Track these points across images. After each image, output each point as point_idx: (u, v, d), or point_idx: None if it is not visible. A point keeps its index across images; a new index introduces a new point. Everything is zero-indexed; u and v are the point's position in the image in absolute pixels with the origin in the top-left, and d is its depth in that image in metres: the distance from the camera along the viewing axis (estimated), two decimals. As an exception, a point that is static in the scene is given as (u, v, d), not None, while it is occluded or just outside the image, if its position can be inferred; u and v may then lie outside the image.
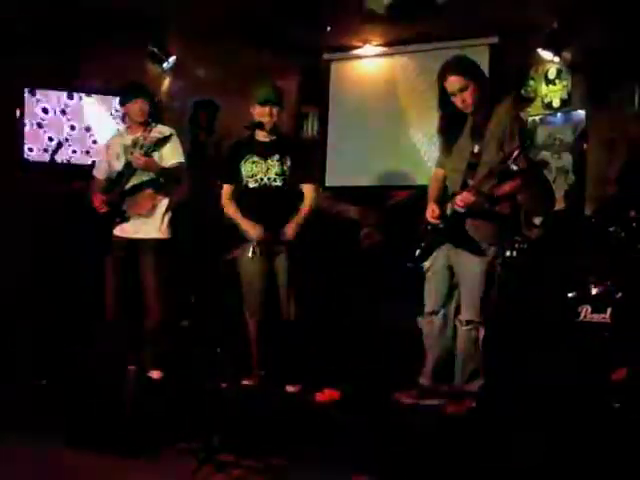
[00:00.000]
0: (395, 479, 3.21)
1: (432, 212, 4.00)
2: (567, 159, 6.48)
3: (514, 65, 6.82)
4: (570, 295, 4.67)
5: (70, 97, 6.45)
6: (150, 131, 4.67)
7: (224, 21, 6.51)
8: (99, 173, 4.87)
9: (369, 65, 7.55)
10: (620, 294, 4.55)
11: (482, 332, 3.95)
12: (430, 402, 4.07)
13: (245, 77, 6.85)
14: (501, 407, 3.97)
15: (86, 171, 5.17)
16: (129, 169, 4.64)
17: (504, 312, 4.75)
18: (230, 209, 4.56)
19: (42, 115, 6.38)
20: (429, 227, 4.06)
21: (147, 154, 4.52)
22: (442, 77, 3.91)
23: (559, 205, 6.06)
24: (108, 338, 4.72)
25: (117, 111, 4.80)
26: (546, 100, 6.66)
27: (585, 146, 6.38)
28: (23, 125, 6.31)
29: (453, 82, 3.86)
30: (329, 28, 6.82)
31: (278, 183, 4.44)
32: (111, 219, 4.70)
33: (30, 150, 6.34)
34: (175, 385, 4.55)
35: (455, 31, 6.72)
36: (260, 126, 4.42)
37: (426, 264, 4.12)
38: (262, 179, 4.46)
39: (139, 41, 6.67)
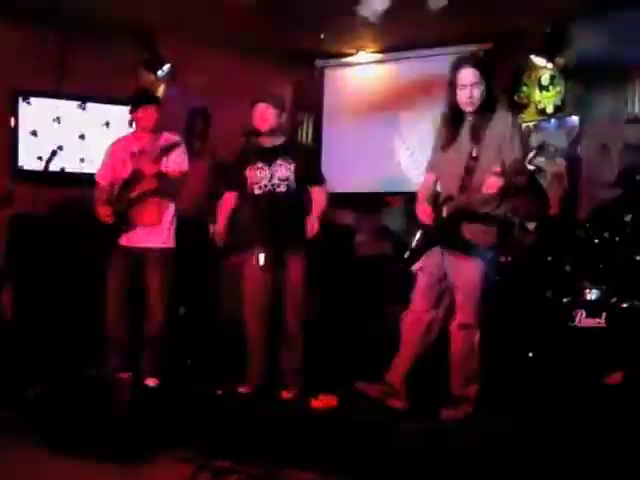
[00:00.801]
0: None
1: (424, 211, 3.96)
2: (561, 164, 6.50)
3: (507, 71, 6.84)
4: (565, 300, 4.68)
5: (65, 105, 6.45)
6: (158, 139, 4.67)
7: (218, 29, 6.52)
8: (102, 178, 4.80)
9: (363, 72, 7.58)
10: (615, 299, 4.56)
11: (478, 336, 3.93)
12: (393, 404, 4.04)
13: (239, 84, 6.88)
14: (499, 411, 3.97)
15: (80, 179, 5.16)
16: (136, 177, 4.62)
17: (499, 316, 4.76)
18: (220, 215, 4.58)
19: (36, 123, 6.38)
20: (421, 230, 4.03)
21: (156, 160, 4.52)
22: (456, 68, 3.85)
23: (553, 210, 6.08)
24: (104, 344, 4.71)
25: (130, 119, 4.74)
26: (540, 106, 6.69)
27: (579, 151, 6.40)
28: (17, 133, 6.31)
29: (468, 74, 3.80)
30: (323, 35, 6.83)
31: (282, 189, 4.42)
32: (115, 228, 4.68)
33: (25, 159, 6.33)
34: (171, 392, 4.54)
35: (449, 38, 6.74)
36: (257, 133, 4.40)
37: (417, 265, 4.08)
38: (266, 185, 4.44)
39: (134, 49, 6.68)
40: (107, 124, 6.58)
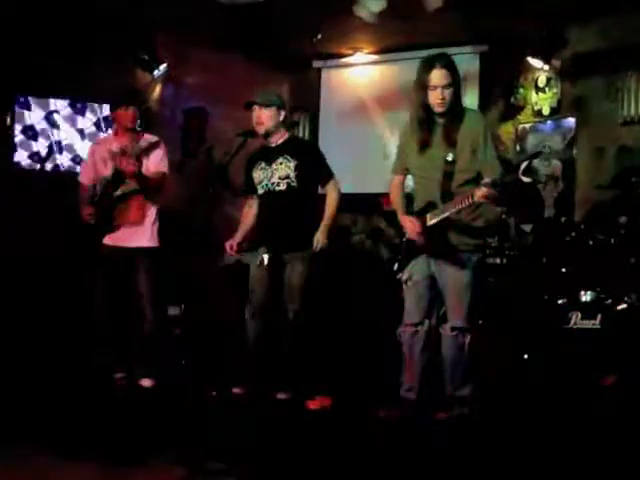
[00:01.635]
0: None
1: (413, 226, 3.88)
2: (557, 166, 6.51)
3: (504, 73, 6.85)
4: (560, 301, 4.69)
5: (60, 104, 6.45)
6: (138, 139, 4.67)
7: (215, 29, 6.52)
8: (85, 178, 4.81)
9: (359, 73, 7.59)
10: (610, 300, 4.56)
11: (468, 338, 3.91)
12: (420, 416, 4.03)
13: (236, 85, 6.89)
14: (494, 412, 3.98)
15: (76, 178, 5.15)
16: (118, 177, 4.62)
17: (495, 318, 4.77)
18: (243, 221, 4.59)
19: (32, 122, 6.37)
20: (405, 240, 4.02)
21: (138, 159, 4.51)
22: (427, 69, 3.74)
23: (549, 212, 6.09)
24: (97, 347, 4.70)
25: (105, 118, 4.76)
26: (536, 108, 6.70)
27: (574, 153, 6.42)
28: (13, 132, 6.30)
29: (440, 75, 3.70)
30: (319, 36, 6.84)
31: (282, 187, 4.38)
32: (99, 228, 4.68)
33: (20, 157, 6.33)
34: (166, 393, 4.54)
35: (445, 39, 6.75)
36: (251, 134, 4.39)
37: (404, 275, 4.04)
38: (267, 185, 4.43)
39: (131, 49, 6.68)
40: (102, 123, 6.57)
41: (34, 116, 6.38)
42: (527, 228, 5.46)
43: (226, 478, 3.13)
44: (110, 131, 5.25)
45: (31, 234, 5.88)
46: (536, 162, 6.53)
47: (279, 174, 4.37)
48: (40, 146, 6.40)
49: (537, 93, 6.69)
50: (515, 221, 5.43)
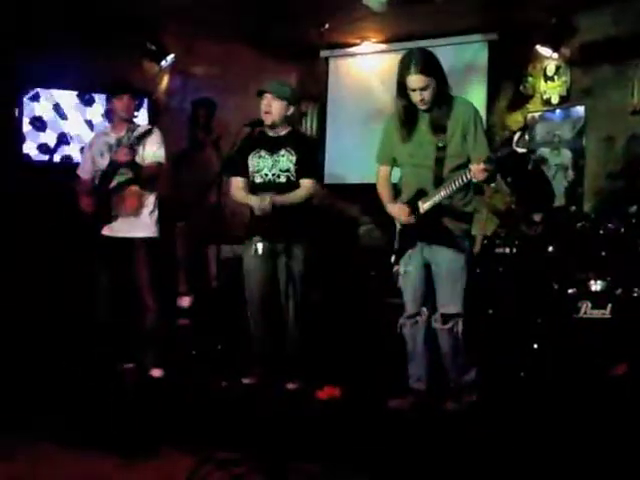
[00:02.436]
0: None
1: (403, 211, 3.93)
2: (566, 155, 6.48)
3: (513, 61, 6.82)
4: (570, 291, 4.67)
5: (69, 95, 6.45)
6: (134, 130, 4.67)
7: (222, 19, 6.51)
8: (83, 172, 4.82)
9: (367, 62, 7.56)
10: (620, 290, 4.55)
11: (461, 325, 3.90)
12: (430, 406, 4.04)
13: (243, 75, 6.88)
14: (503, 401, 3.98)
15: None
16: (113, 167, 4.62)
17: (504, 308, 4.77)
18: (239, 195, 4.49)
19: (40, 114, 6.37)
20: (399, 228, 4.03)
21: (131, 148, 4.52)
22: (404, 72, 3.79)
23: (558, 201, 6.06)
24: (101, 337, 4.71)
25: (109, 109, 4.77)
26: (545, 96, 6.66)
27: (584, 142, 6.38)
28: (21, 124, 6.30)
29: (415, 81, 3.75)
30: (327, 25, 6.81)
31: (282, 180, 4.39)
32: (98, 219, 4.69)
33: (29, 149, 6.34)
34: (176, 384, 4.55)
35: (454, 28, 6.72)
36: (259, 124, 4.37)
37: (400, 267, 4.04)
38: (267, 175, 4.42)
39: (138, 40, 6.67)
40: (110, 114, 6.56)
41: (42, 107, 6.38)
42: (537, 217, 5.44)
43: (235, 468, 3.14)
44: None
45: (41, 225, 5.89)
46: (546, 151, 6.51)
47: (280, 166, 4.38)
48: (48, 137, 6.40)
49: (546, 82, 6.65)
50: (525, 210, 5.41)
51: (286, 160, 4.38)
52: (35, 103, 6.35)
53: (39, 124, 6.37)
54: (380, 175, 4.20)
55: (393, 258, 4.06)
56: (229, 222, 5.19)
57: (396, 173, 4.17)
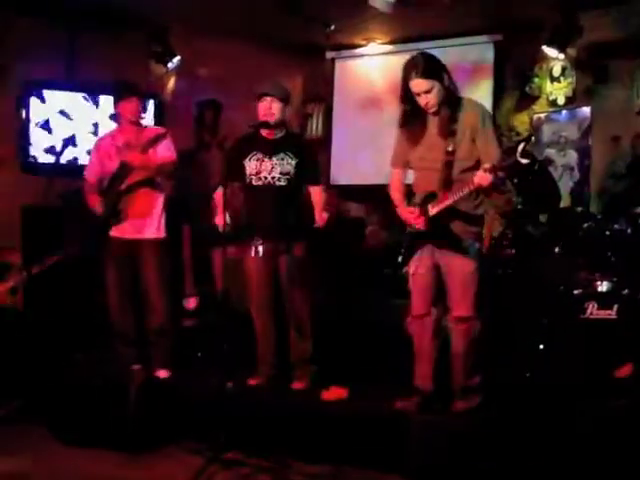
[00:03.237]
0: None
1: (413, 215, 3.93)
2: (572, 156, 6.48)
3: (519, 62, 6.82)
4: (576, 292, 4.66)
5: (76, 97, 6.47)
6: (142, 132, 4.68)
7: (228, 21, 6.52)
8: (91, 175, 4.83)
9: (373, 63, 7.56)
10: (627, 290, 4.54)
11: (478, 327, 3.91)
12: (435, 406, 4.04)
13: (249, 77, 6.88)
14: (509, 402, 3.98)
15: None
16: (124, 169, 4.63)
17: (510, 309, 4.76)
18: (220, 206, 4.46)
19: (47, 116, 6.40)
20: (409, 231, 4.04)
21: (144, 151, 4.53)
22: (407, 77, 3.82)
23: (564, 202, 6.06)
24: (113, 338, 4.73)
25: (115, 112, 4.78)
26: (551, 97, 6.66)
27: (590, 143, 6.37)
28: (28, 126, 6.32)
29: (418, 85, 3.78)
30: (333, 27, 6.82)
31: (283, 183, 4.40)
32: (108, 220, 4.70)
33: (36, 151, 6.36)
34: (182, 384, 4.56)
35: (460, 29, 6.72)
36: (266, 125, 4.38)
37: (410, 268, 4.05)
38: (266, 177, 4.43)
39: (145, 42, 6.69)
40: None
41: (49, 110, 6.40)
42: (543, 218, 5.43)
43: (241, 468, 3.15)
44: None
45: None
46: (552, 152, 6.50)
47: (281, 169, 4.39)
48: (55, 140, 6.42)
49: (552, 83, 6.65)
50: (531, 211, 5.41)
51: (286, 164, 4.40)
52: (41, 105, 6.37)
53: (45, 126, 6.40)
54: (392, 178, 4.21)
55: (400, 258, 4.06)
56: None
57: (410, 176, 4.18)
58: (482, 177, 3.61)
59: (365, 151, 7.22)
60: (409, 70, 3.82)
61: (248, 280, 4.53)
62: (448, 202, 3.80)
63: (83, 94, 6.50)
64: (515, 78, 6.88)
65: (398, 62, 7.48)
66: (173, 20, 6.66)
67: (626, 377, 4.12)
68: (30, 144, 6.34)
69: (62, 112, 6.44)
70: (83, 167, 5.05)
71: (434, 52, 4.02)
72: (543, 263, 5.08)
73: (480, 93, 6.68)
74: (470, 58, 6.92)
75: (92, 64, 6.39)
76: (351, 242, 6.45)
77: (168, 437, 3.55)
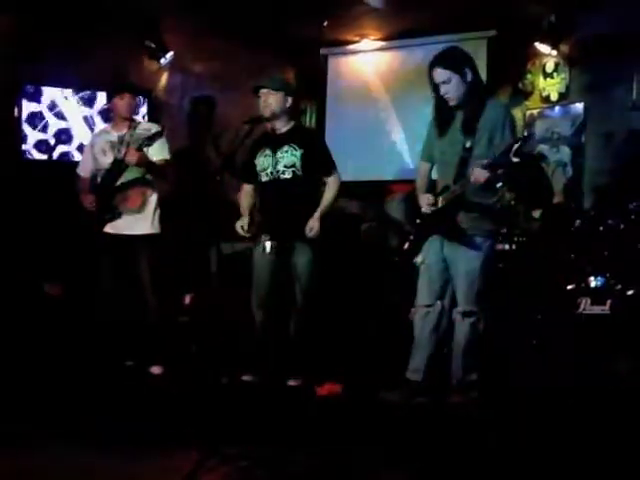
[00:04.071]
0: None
1: (427, 200, 4.01)
2: (565, 152, 6.48)
3: (512, 58, 6.82)
4: (569, 287, 4.68)
5: (68, 93, 6.45)
6: (135, 128, 4.67)
7: (221, 17, 6.51)
8: (84, 171, 4.84)
9: (366, 59, 7.55)
10: (620, 286, 4.56)
11: (481, 322, 3.94)
12: (423, 399, 4.05)
13: (243, 72, 6.87)
14: (504, 397, 3.99)
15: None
16: (118, 166, 4.62)
17: (504, 304, 4.77)
18: (245, 203, 4.60)
19: (39, 111, 6.37)
20: (420, 220, 4.06)
21: (139, 149, 4.52)
22: (430, 67, 3.93)
23: (558, 198, 6.07)
24: (105, 335, 4.71)
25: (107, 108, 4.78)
26: (544, 93, 6.67)
27: (583, 139, 6.38)
28: (20, 122, 6.29)
29: (437, 74, 3.87)
30: (326, 23, 6.81)
31: (287, 175, 4.38)
32: (101, 217, 4.69)
33: (29, 148, 6.33)
34: (176, 381, 4.55)
35: (452, 24, 6.71)
36: (259, 120, 4.35)
37: (418, 258, 4.10)
38: (272, 172, 4.42)
39: (138, 38, 6.66)
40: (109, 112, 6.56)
41: (41, 105, 6.37)
42: (536, 214, 5.45)
43: (239, 463, 3.15)
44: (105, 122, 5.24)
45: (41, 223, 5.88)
46: (545, 148, 6.51)
47: (285, 162, 4.37)
48: (47, 135, 6.40)
49: (545, 79, 6.65)
50: (524, 207, 5.42)
51: (290, 155, 4.37)
52: (33, 101, 6.34)
53: (38, 122, 6.37)
54: (419, 170, 4.30)
55: (406, 245, 4.08)
56: (229, 219, 5.18)
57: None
58: (479, 173, 3.65)
59: (359, 148, 7.21)
60: (432, 60, 3.93)
61: (254, 273, 4.52)
62: (453, 194, 3.87)
63: (76, 90, 6.47)
64: (508, 74, 6.88)
65: (391, 58, 7.58)
66: (166, 15, 6.63)
67: (621, 372, 4.14)
68: (22, 140, 6.31)
69: (54, 108, 6.41)
70: (76, 163, 5.04)
71: (428, 48, 4.08)
72: (536, 259, 5.10)
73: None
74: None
75: (85, 60, 6.35)
76: (346, 238, 6.45)
77: (164, 433, 3.54)
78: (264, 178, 4.44)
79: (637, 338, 4.27)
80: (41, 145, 6.35)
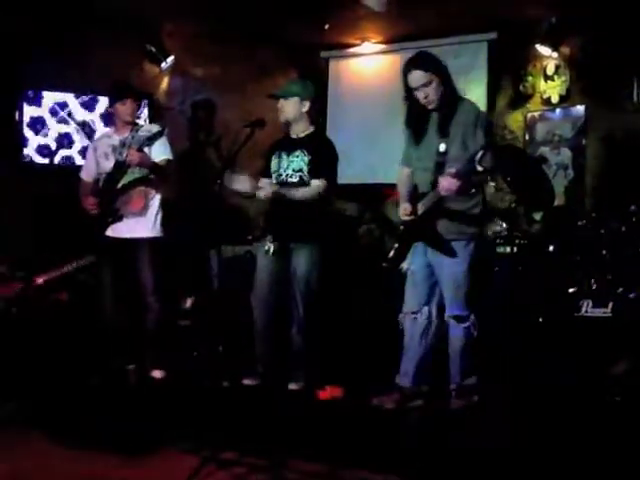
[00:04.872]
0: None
1: (404, 210, 3.99)
2: (566, 154, 6.49)
3: (512, 61, 6.82)
4: (571, 290, 4.67)
5: (69, 98, 6.46)
6: (137, 130, 4.67)
7: (222, 20, 6.52)
8: (87, 175, 4.83)
9: (367, 62, 7.56)
10: (621, 288, 4.55)
11: (474, 325, 3.91)
12: (414, 404, 4.05)
13: (243, 76, 6.89)
14: (504, 400, 3.98)
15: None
16: (120, 168, 4.62)
17: (504, 307, 4.76)
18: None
19: (40, 116, 6.37)
20: (402, 227, 4.05)
21: (140, 149, 4.51)
22: (406, 71, 3.88)
23: (559, 201, 6.06)
24: (107, 338, 4.71)
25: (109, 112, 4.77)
26: (545, 96, 6.67)
27: (584, 141, 6.38)
28: (22, 126, 6.30)
29: (416, 77, 3.83)
30: (327, 26, 6.82)
31: (294, 179, 4.40)
32: (103, 220, 4.69)
33: (30, 151, 6.33)
34: (177, 384, 4.55)
35: (453, 27, 6.72)
36: (260, 124, 4.35)
37: (404, 264, 4.10)
38: (281, 175, 4.45)
39: (138, 41, 6.67)
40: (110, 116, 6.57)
41: (42, 110, 6.38)
42: (537, 216, 5.44)
43: (237, 467, 3.14)
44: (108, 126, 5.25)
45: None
46: (546, 150, 6.51)
47: (293, 166, 4.42)
48: (49, 140, 6.40)
49: (546, 81, 6.66)
50: (525, 209, 5.42)
51: (299, 160, 4.41)
52: (35, 105, 6.34)
53: (40, 126, 6.38)
54: (399, 175, 4.24)
55: (391, 253, 4.07)
56: (230, 222, 5.19)
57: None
58: (450, 182, 3.65)
59: (359, 151, 7.21)
60: (407, 65, 3.89)
61: (256, 274, 4.52)
62: (429, 203, 3.85)
63: (78, 94, 6.47)
64: (509, 77, 6.88)
65: (392, 61, 7.58)
66: (167, 19, 6.65)
67: (621, 374, 4.13)
68: (24, 145, 6.32)
69: (55, 112, 6.42)
70: (78, 167, 5.04)
71: (429, 51, 4.05)
72: (538, 261, 5.09)
73: (474, 92, 6.68)
74: (464, 57, 6.91)
75: (86, 64, 6.36)
76: (345, 241, 6.45)
77: (163, 437, 3.54)
78: (274, 180, 4.46)
79: (638, 340, 4.26)
80: (42, 150, 6.35)
